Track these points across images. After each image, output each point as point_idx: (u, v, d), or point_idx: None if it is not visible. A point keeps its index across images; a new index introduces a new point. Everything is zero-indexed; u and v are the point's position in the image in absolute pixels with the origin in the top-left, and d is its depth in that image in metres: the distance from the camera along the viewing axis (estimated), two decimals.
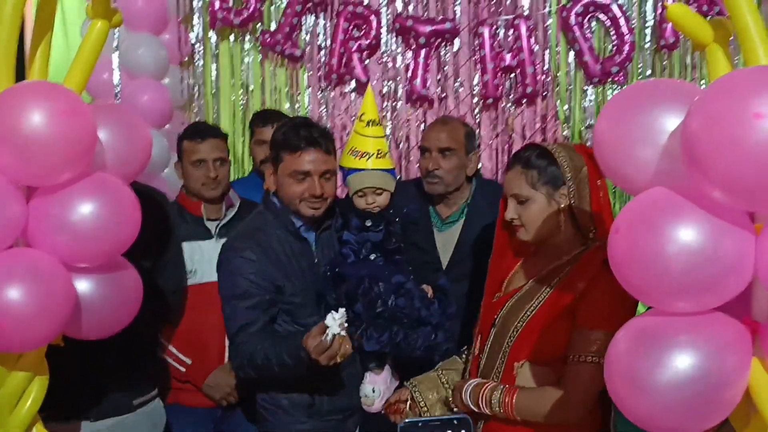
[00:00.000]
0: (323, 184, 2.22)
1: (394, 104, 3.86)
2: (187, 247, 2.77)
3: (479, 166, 2.99)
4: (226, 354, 2.75)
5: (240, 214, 2.82)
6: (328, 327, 1.99)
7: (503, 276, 2.15)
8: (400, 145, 3.86)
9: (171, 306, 2.68)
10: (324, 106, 3.93)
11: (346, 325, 2.00)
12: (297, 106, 3.95)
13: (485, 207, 2.72)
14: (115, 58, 3.62)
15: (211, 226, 2.82)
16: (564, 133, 3.73)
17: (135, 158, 2.02)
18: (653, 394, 1.38)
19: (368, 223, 2.31)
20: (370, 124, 2.37)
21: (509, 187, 2.01)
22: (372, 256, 2.30)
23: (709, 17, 1.53)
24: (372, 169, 2.33)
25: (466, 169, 2.75)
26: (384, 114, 3.83)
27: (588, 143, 3.51)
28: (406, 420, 0.88)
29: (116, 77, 3.65)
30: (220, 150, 2.82)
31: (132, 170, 2.03)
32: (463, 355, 2.27)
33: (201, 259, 2.76)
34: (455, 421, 0.87)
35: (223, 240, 2.70)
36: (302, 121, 2.30)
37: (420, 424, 0.86)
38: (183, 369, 2.77)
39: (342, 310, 2.01)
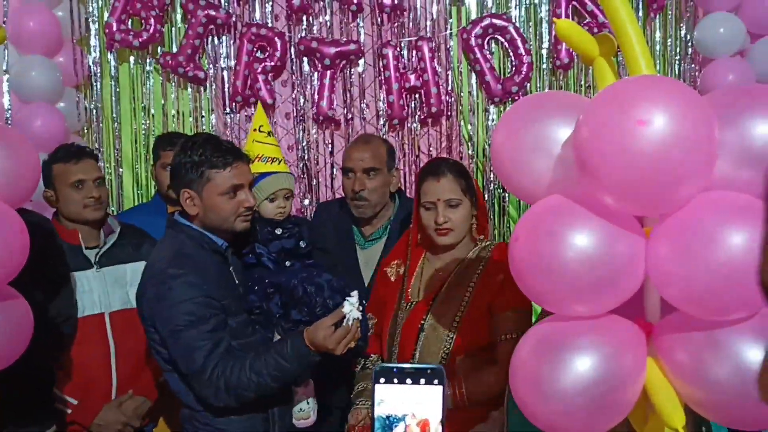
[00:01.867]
0: (251, 194, 2.22)
1: (300, 126, 3.85)
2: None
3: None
4: (113, 390, 2.61)
5: (121, 241, 2.69)
6: (346, 313, 2.00)
7: (396, 283, 2.34)
8: (311, 167, 3.85)
9: (64, 337, 2.54)
10: (229, 129, 3.87)
11: (361, 308, 2.04)
12: (202, 129, 3.87)
13: (407, 223, 2.74)
14: (5, 81, 3.45)
15: (90, 254, 2.64)
16: (469, 152, 3.81)
17: (22, 183, 1.94)
18: (556, 398, 1.41)
19: (278, 231, 2.32)
20: (270, 134, 2.45)
21: (443, 192, 2.18)
22: (287, 263, 2.30)
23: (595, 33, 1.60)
24: (283, 172, 2.38)
25: (390, 186, 2.76)
26: (289, 135, 3.80)
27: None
28: (381, 365, 0.89)
29: (6, 101, 3.48)
30: (97, 170, 2.69)
31: (19, 196, 1.93)
32: (366, 366, 2.37)
33: (81, 291, 2.58)
34: (428, 371, 0.88)
35: (106, 269, 2.60)
36: (209, 137, 2.26)
37: (395, 370, 0.87)
38: (69, 411, 2.61)
39: (355, 292, 2.04)
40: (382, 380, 0.86)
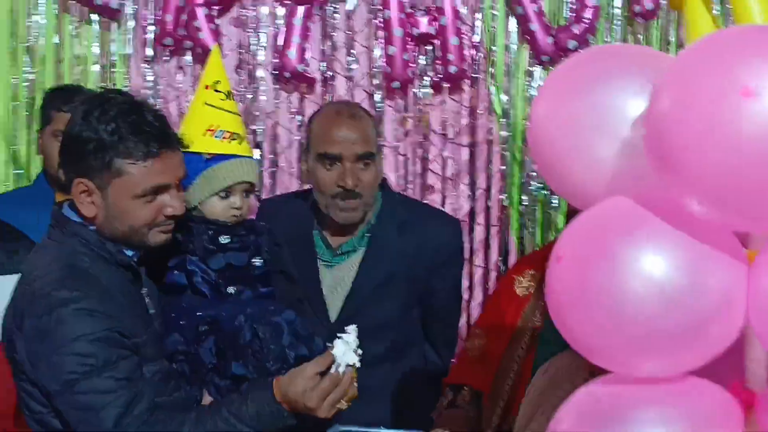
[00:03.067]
0: (180, 195, 2.19)
1: (254, 86, 3.83)
2: None
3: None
4: None
5: None
6: (337, 357, 2.01)
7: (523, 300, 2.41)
8: (262, 144, 3.82)
9: None
10: (152, 84, 3.85)
11: (360, 351, 2.05)
12: (112, 85, 3.85)
13: (394, 232, 2.75)
14: None
15: None
16: (501, 133, 3.79)
17: None
18: None
19: (224, 240, 2.30)
20: (230, 96, 2.42)
21: None
22: (231, 290, 2.28)
23: None
24: (246, 157, 2.37)
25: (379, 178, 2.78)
26: (240, 99, 3.77)
27: None
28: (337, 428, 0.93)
29: None
30: None
31: None
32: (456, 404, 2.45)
33: None
34: None
35: None
36: (131, 104, 2.15)
37: None
38: None
39: (353, 327, 2.06)
40: None
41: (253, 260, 2.33)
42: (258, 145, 3.81)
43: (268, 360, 2.17)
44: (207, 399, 2.20)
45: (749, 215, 1.36)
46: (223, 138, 2.34)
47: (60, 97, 3.21)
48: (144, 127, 2.10)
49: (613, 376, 1.48)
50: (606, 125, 1.47)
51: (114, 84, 3.85)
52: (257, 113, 3.83)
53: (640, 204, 1.42)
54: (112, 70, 3.89)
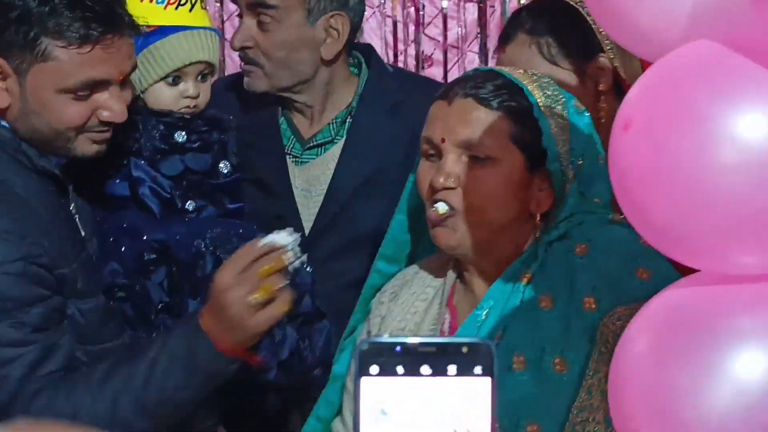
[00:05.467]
0: (124, 95, 1.43)
1: None
2: None
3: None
4: None
5: None
6: (275, 244, 1.26)
7: None
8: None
9: None
10: None
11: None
12: None
13: (382, 116, 1.81)
14: None
15: None
16: None
17: None
18: (699, 428, 0.91)
19: (180, 138, 1.51)
20: None
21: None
22: (190, 205, 1.51)
23: None
24: (204, 28, 1.57)
25: (319, 49, 1.76)
26: None
27: None
28: (371, 339, 0.69)
29: None
30: None
31: None
32: None
33: None
34: (463, 347, 0.59)
35: None
36: None
37: (398, 349, 0.59)
38: None
39: (290, 229, 1.33)
40: (374, 370, 0.58)
41: (219, 165, 1.56)
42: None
43: None
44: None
45: None
46: (168, 3, 1.54)
47: None
48: (86, 1, 1.37)
49: (700, 274, 0.97)
50: None
51: None
52: None
53: (729, 48, 0.94)
54: None
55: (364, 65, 1.85)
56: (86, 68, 1.36)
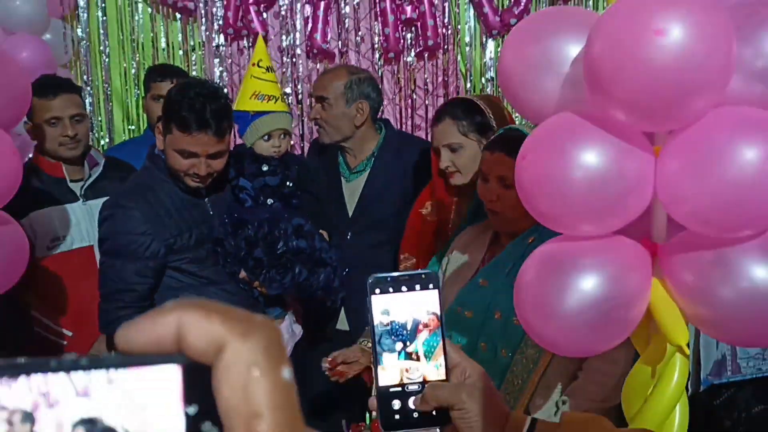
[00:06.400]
0: (211, 163, 2.15)
1: (293, 60, 3.77)
2: (52, 212, 2.56)
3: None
4: None
5: (106, 174, 2.66)
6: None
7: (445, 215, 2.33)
8: (301, 100, 3.78)
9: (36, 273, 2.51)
10: (219, 62, 3.79)
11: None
12: (193, 62, 3.79)
13: (390, 158, 2.73)
14: None
15: (76, 187, 2.62)
16: (466, 86, 3.75)
17: (13, 105, 1.91)
18: (561, 317, 1.41)
19: (265, 168, 2.30)
20: (269, 70, 2.42)
21: (441, 138, 2.20)
22: (269, 201, 2.29)
23: None
24: (280, 111, 2.36)
25: (353, 120, 2.66)
26: (283, 70, 3.72)
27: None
28: (376, 275, 0.85)
29: None
30: (76, 106, 2.59)
31: (9, 118, 1.90)
32: None
33: (68, 224, 2.57)
34: (423, 275, 0.85)
35: (92, 202, 2.58)
36: (198, 91, 2.13)
37: (389, 279, 0.84)
38: (65, 342, 2.61)
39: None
40: (377, 291, 0.83)
41: (285, 182, 2.34)
42: (299, 101, 3.77)
43: (276, 245, 2.20)
44: (242, 275, 2.23)
45: (657, 119, 1.36)
46: (263, 100, 2.35)
47: (157, 71, 3.17)
48: (194, 107, 2.07)
49: (563, 237, 1.49)
50: (554, 65, 1.45)
51: (194, 63, 3.79)
52: (297, 78, 3.78)
53: (580, 116, 1.42)
54: (192, 53, 3.83)
55: (383, 129, 2.76)
56: (185, 144, 2.09)
